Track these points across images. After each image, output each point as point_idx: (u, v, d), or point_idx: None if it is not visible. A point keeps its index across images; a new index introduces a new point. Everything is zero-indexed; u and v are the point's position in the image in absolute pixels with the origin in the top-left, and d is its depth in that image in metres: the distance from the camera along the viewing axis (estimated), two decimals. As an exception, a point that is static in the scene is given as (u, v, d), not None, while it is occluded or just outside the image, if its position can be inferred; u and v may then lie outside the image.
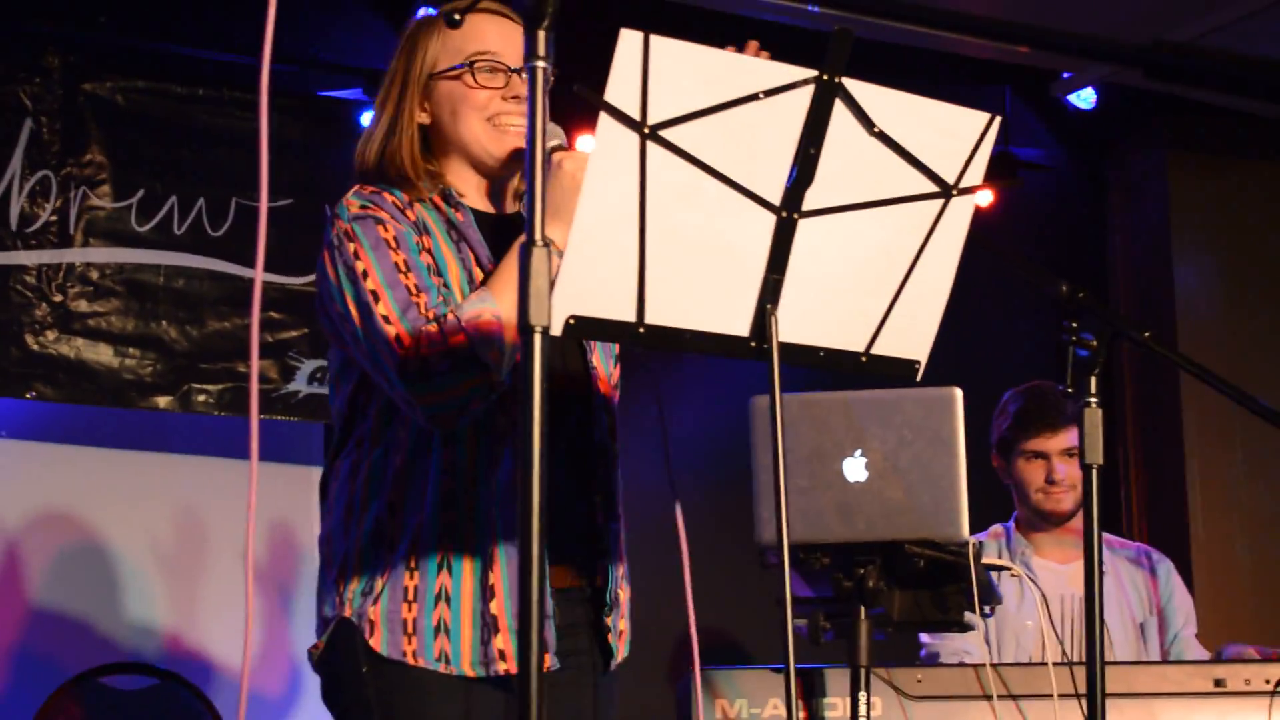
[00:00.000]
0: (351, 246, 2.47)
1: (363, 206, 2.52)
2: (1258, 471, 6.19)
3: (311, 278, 5.06)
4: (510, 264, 2.41)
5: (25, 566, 4.81)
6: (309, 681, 3.48)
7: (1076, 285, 2.58)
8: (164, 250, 4.94)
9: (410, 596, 2.46)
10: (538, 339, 1.74)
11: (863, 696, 2.83)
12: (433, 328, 2.35)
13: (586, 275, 1.96)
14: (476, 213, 2.63)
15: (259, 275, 2.23)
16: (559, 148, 2.48)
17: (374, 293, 2.41)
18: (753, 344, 2.13)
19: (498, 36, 2.61)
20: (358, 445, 2.55)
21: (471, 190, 2.65)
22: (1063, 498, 4.05)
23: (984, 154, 2.19)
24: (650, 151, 1.96)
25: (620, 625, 2.66)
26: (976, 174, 2.20)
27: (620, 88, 1.91)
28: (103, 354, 4.83)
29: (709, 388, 5.00)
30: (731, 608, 5.26)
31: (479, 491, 2.47)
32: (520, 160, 2.58)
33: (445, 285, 2.47)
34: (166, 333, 4.92)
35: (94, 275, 4.84)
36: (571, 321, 1.96)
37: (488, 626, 2.46)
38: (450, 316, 2.36)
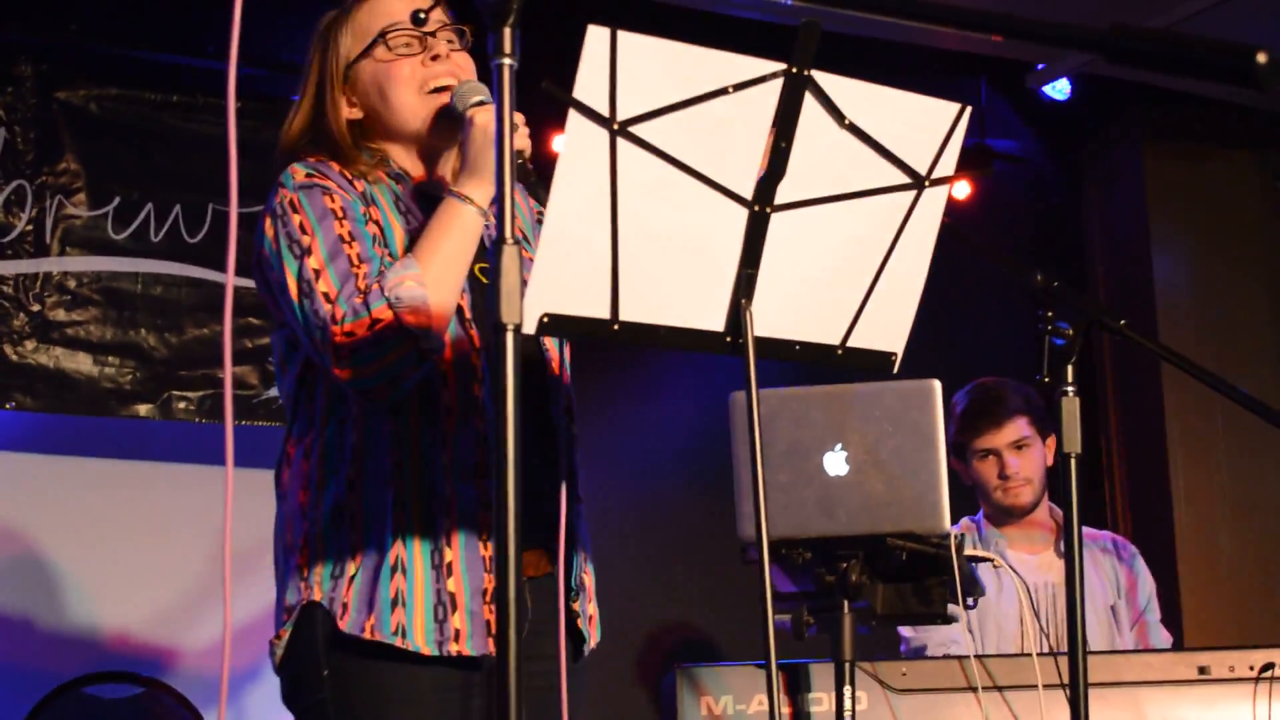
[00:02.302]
0: (297, 218, 2.44)
1: (308, 174, 2.49)
2: (1240, 460, 6.20)
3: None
4: (434, 226, 2.40)
5: (6, 577, 4.79)
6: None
7: (1051, 274, 2.58)
8: (141, 258, 4.92)
9: (372, 573, 2.42)
10: (510, 338, 1.73)
11: (847, 691, 2.83)
12: (359, 299, 2.33)
13: (559, 273, 1.96)
14: (421, 187, 2.59)
15: (230, 280, 2.23)
16: (480, 104, 2.43)
17: (316, 270, 2.39)
18: (728, 339, 2.13)
19: (404, 6, 2.57)
20: (310, 425, 2.51)
21: (414, 169, 2.61)
22: (1020, 491, 4.06)
23: (956, 145, 2.19)
24: (620, 148, 1.95)
25: (589, 609, 2.63)
26: (949, 165, 2.20)
27: (589, 84, 1.91)
28: (82, 363, 4.82)
29: (689, 384, 5.01)
30: (715, 604, 5.27)
31: (426, 467, 2.44)
32: (448, 120, 2.52)
33: (391, 256, 2.44)
34: (145, 340, 4.91)
35: (71, 284, 4.82)
36: (545, 319, 1.96)
37: (443, 605, 2.42)
38: (375, 287, 2.34)
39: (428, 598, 2.42)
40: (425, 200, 2.56)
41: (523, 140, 2.42)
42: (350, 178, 2.52)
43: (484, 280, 2.53)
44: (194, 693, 4.64)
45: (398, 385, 2.37)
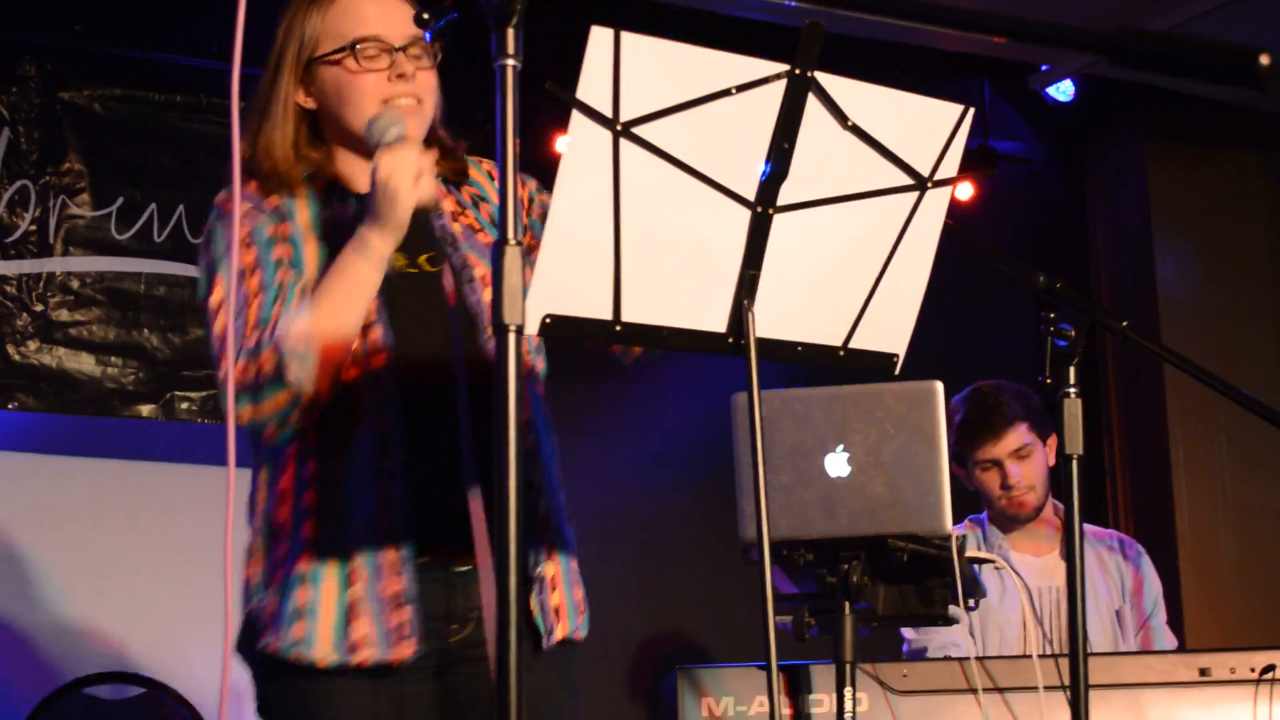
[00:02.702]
0: (212, 248, 2.48)
1: (225, 199, 2.51)
2: (1242, 462, 6.20)
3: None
4: (334, 271, 2.40)
5: (8, 577, 4.79)
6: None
7: (1053, 276, 2.58)
8: (144, 258, 4.93)
9: (281, 587, 2.44)
10: (512, 339, 1.73)
11: (848, 692, 2.83)
12: (251, 340, 2.37)
13: (562, 273, 1.95)
14: (361, 197, 2.53)
15: (234, 281, 2.24)
16: (393, 141, 2.39)
17: (221, 301, 2.42)
18: (730, 340, 2.13)
19: (379, 17, 2.52)
20: (257, 440, 2.54)
21: (361, 174, 2.54)
22: (1024, 498, 4.04)
23: (958, 146, 2.19)
24: (624, 149, 1.95)
25: (553, 600, 2.54)
26: (951, 166, 2.20)
27: (592, 85, 1.91)
28: (85, 363, 4.82)
29: (691, 385, 5.01)
30: (717, 605, 5.27)
31: (330, 475, 2.44)
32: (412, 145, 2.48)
33: (296, 278, 2.45)
34: (148, 341, 4.91)
35: (75, 284, 4.83)
36: (548, 320, 1.95)
37: (348, 613, 2.41)
38: (266, 332, 2.36)
39: (337, 607, 2.42)
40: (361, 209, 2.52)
41: (427, 190, 2.39)
42: (265, 194, 2.52)
43: (412, 270, 2.53)
44: (194, 694, 4.64)
45: (285, 426, 2.39)
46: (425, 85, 2.55)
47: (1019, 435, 4.01)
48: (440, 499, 2.45)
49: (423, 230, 2.52)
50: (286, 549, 2.46)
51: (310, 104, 2.57)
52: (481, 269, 2.54)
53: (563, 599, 2.56)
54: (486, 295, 2.51)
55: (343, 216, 2.52)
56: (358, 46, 2.51)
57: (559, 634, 2.54)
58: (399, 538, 2.43)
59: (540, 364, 2.65)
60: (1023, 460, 4.02)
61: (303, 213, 2.53)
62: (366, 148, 2.47)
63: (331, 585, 2.42)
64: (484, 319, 2.51)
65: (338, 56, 2.52)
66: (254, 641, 2.47)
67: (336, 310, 2.35)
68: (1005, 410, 4.01)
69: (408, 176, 2.33)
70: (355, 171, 2.57)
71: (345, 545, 2.42)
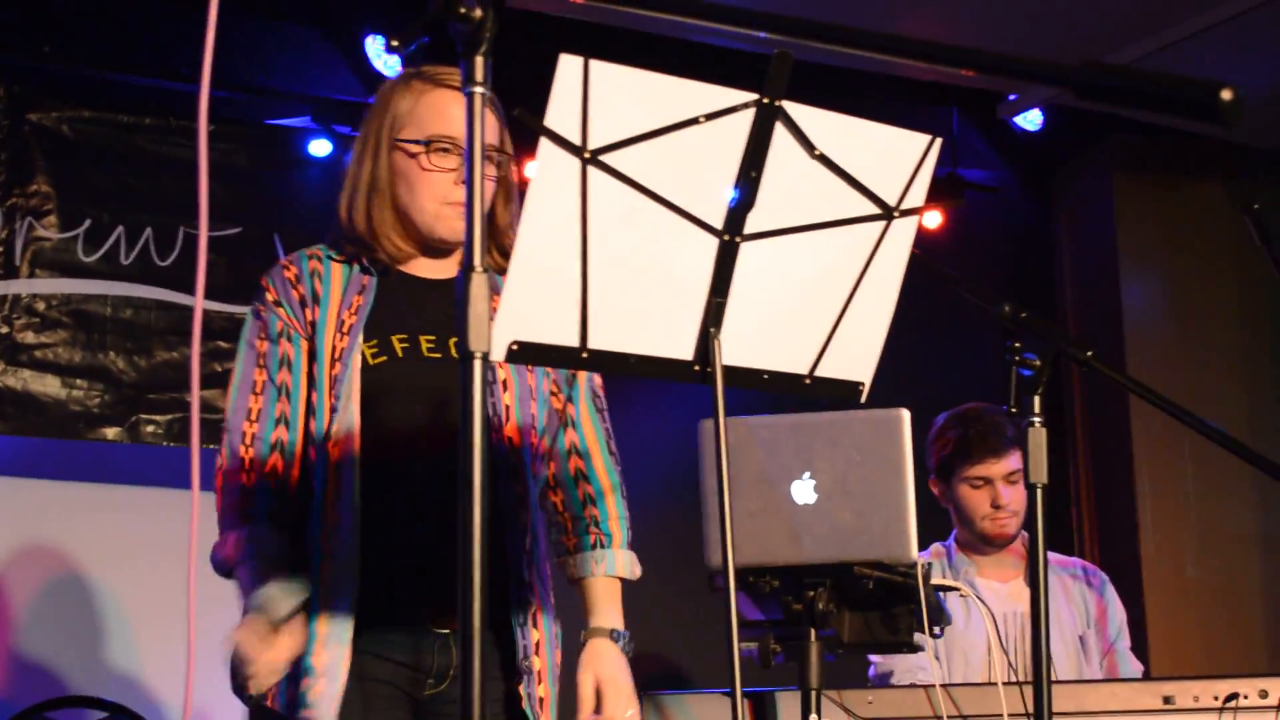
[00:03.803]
0: (241, 338, 2.73)
1: (266, 285, 2.71)
2: (1208, 491, 6.23)
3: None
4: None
5: (-29, 600, 4.76)
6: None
7: (1019, 305, 2.59)
8: (111, 280, 4.91)
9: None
10: (478, 365, 1.73)
11: (814, 719, 2.82)
12: (234, 480, 2.64)
13: (529, 300, 1.96)
14: (416, 279, 2.73)
15: (199, 303, 2.22)
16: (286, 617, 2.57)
17: (228, 394, 2.70)
18: (697, 368, 2.13)
19: (456, 116, 2.65)
20: None
21: (402, 251, 2.72)
22: (1008, 522, 4.04)
23: (925, 176, 2.20)
24: (591, 176, 1.95)
25: (539, 692, 2.68)
26: (918, 196, 2.21)
27: (560, 113, 1.91)
28: (50, 385, 4.80)
29: (657, 411, 5.00)
30: (683, 632, 5.26)
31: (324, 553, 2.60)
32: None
33: (287, 400, 2.65)
34: (114, 363, 4.89)
35: (40, 306, 4.81)
36: (515, 347, 1.95)
37: (304, 673, 2.54)
38: (246, 505, 2.62)
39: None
40: (413, 289, 2.71)
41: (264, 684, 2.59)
42: (307, 272, 2.70)
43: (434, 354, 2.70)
44: (157, 718, 4.62)
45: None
46: (487, 193, 2.64)
47: (1015, 460, 4.02)
48: (431, 559, 2.56)
49: (434, 310, 2.68)
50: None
51: (384, 173, 2.70)
52: (504, 372, 2.69)
53: (547, 691, 2.70)
54: (505, 398, 2.68)
55: (375, 284, 2.72)
56: (432, 143, 2.65)
57: None
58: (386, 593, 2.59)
59: (541, 469, 2.80)
60: (1013, 485, 4.03)
61: (336, 279, 2.71)
62: (414, 232, 2.69)
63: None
64: (500, 420, 2.68)
65: (415, 149, 2.66)
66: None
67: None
68: (1006, 431, 4.02)
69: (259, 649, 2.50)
70: (399, 244, 2.71)
71: (317, 603, 2.56)
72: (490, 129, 2.65)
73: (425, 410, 2.64)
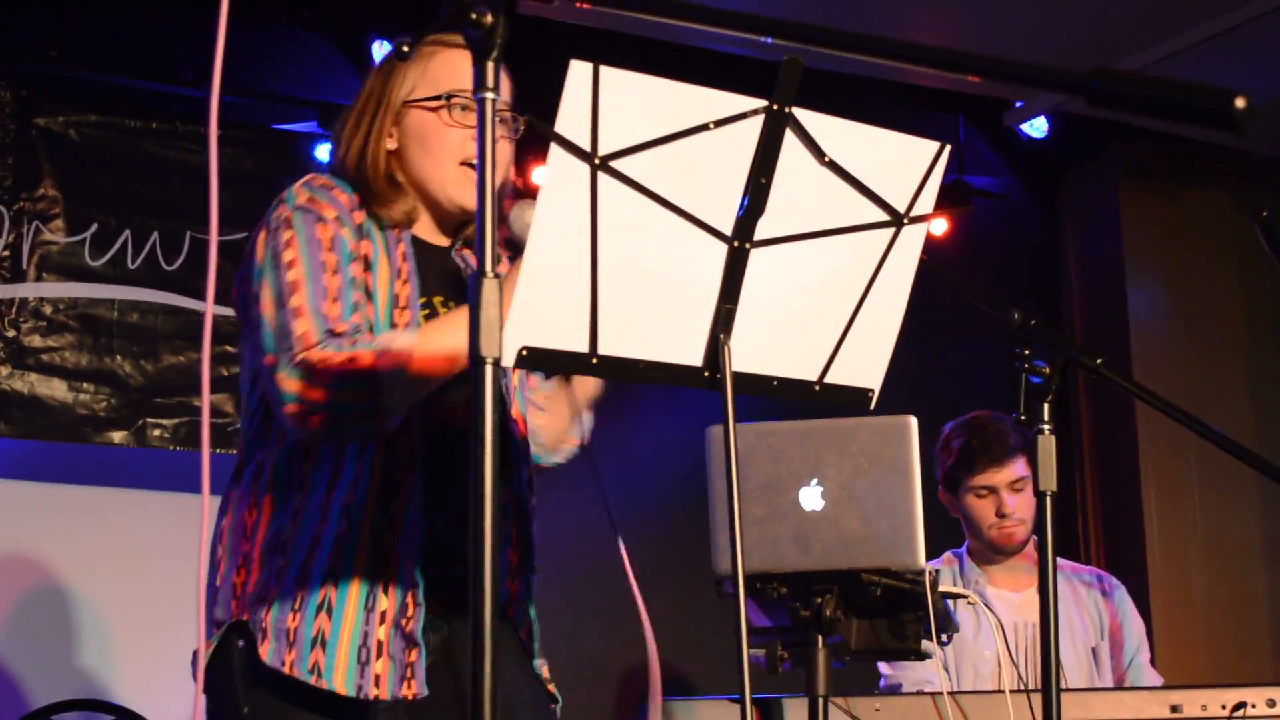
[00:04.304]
0: (286, 234, 2.46)
1: (310, 199, 2.51)
2: (1214, 498, 6.22)
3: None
4: (452, 314, 2.45)
5: (-23, 604, 4.77)
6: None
7: (1028, 312, 2.59)
8: (118, 284, 4.92)
9: (297, 605, 2.45)
10: (489, 370, 1.73)
11: (821, 726, 2.82)
12: (341, 328, 2.37)
13: (539, 306, 1.96)
14: (421, 242, 2.63)
15: (209, 307, 2.23)
16: None
17: (293, 283, 2.41)
18: (706, 374, 2.13)
19: (469, 75, 2.57)
20: (262, 444, 2.53)
21: (421, 221, 2.64)
22: (1014, 530, 4.03)
23: (935, 183, 2.20)
24: (601, 182, 1.95)
25: (545, 672, 2.69)
26: (927, 203, 2.21)
27: (571, 119, 1.91)
28: (57, 389, 4.80)
29: (665, 417, 5.00)
30: (691, 638, 5.25)
31: (377, 515, 2.46)
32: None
33: (367, 297, 2.48)
34: (121, 367, 4.90)
35: (47, 310, 4.81)
36: (524, 353, 1.96)
37: (368, 648, 2.44)
38: (364, 335, 2.37)
39: (354, 639, 2.45)
40: (420, 254, 2.60)
41: None
42: (351, 207, 2.54)
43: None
44: (164, 721, 4.62)
45: (334, 432, 2.37)
46: (502, 155, 2.58)
47: (1018, 467, 4.01)
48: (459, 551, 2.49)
49: (450, 275, 2.61)
50: (298, 571, 2.46)
51: (391, 144, 2.62)
52: None
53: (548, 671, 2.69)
54: (514, 378, 2.65)
55: (407, 249, 2.58)
56: (453, 98, 2.58)
57: (560, 702, 2.68)
58: (414, 582, 2.49)
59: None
60: (1018, 493, 4.02)
61: (378, 236, 2.56)
62: (432, 198, 2.59)
63: (351, 619, 2.45)
64: (509, 397, 2.64)
65: (432, 105, 2.59)
66: (244, 650, 2.47)
67: (441, 352, 2.34)
68: (1008, 439, 4.01)
69: None
70: (416, 213, 2.62)
71: (375, 584, 2.46)
72: (502, 87, 2.60)
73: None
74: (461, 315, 2.36)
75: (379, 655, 2.45)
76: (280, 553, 2.47)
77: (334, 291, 2.41)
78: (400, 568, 2.47)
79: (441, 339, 2.34)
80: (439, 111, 2.58)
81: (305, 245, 2.44)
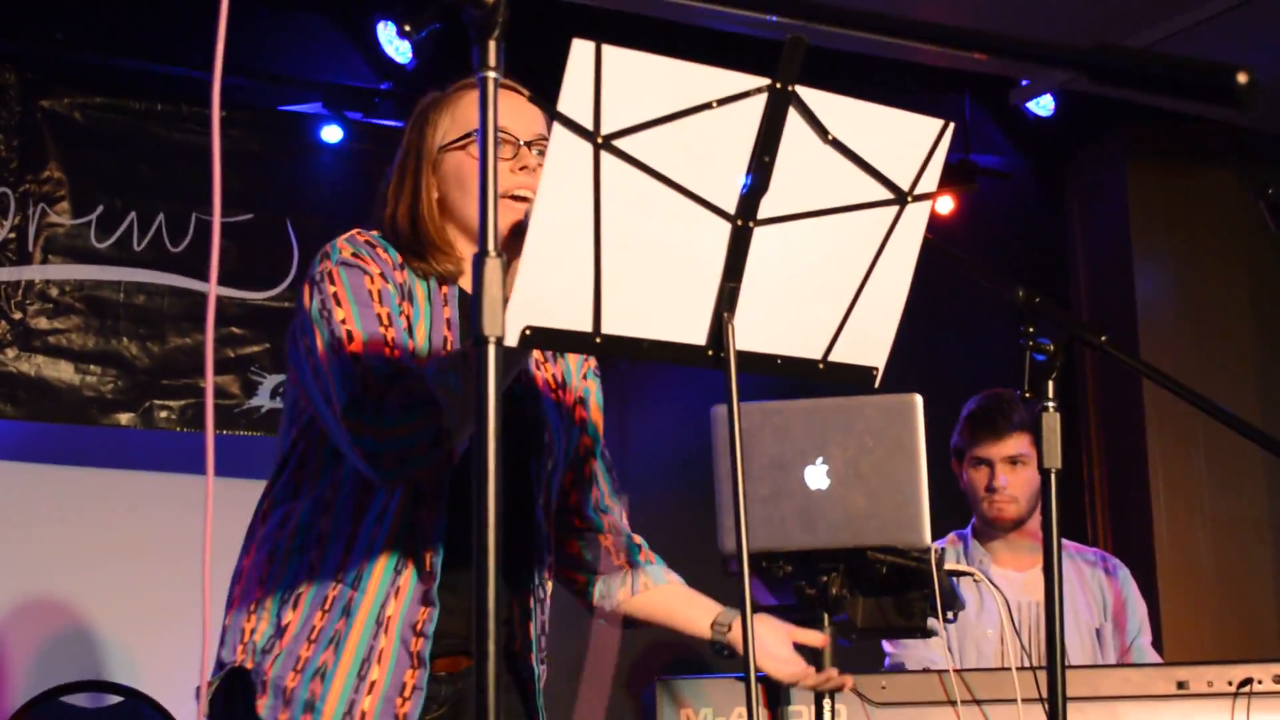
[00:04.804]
0: (333, 289, 2.46)
1: (354, 254, 2.51)
2: (1221, 476, 6.22)
3: (273, 292, 5.07)
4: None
5: (-14, 585, 4.78)
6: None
7: (1032, 290, 2.59)
8: (124, 266, 4.93)
9: (298, 666, 2.46)
10: (492, 350, 1.73)
11: (827, 704, 2.83)
12: (395, 367, 2.37)
13: (542, 285, 1.96)
14: (467, 295, 2.61)
15: (213, 289, 2.23)
16: None
17: (349, 332, 2.40)
18: (710, 353, 2.13)
19: (507, 111, 2.54)
20: (293, 494, 2.55)
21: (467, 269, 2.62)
22: (1005, 506, 4.04)
23: (938, 161, 2.19)
24: (604, 161, 1.95)
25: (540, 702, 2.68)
26: (931, 181, 2.20)
27: (573, 98, 1.91)
28: (63, 371, 4.81)
29: (670, 397, 5.01)
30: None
31: (385, 585, 2.48)
32: (519, 236, 2.55)
33: (416, 348, 2.48)
34: (127, 349, 4.91)
35: (54, 292, 4.82)
36: (528, 332, 1.95)
37: (352, 717, 2.45)
38: (415, 367, 2.37)
39: (339, 708, 2.45)
40: (466, 304, 2.59)
41: None
42: (394, 265, 2.55)
43: None
44: (172, 702, 4.63)
45: (407, 463, 2.33)
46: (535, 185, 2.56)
47: (1017, 443, 4.01)
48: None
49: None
50: (308, 625, 2.48)
51: (435, 192, 2.61)
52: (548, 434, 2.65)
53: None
54: (548, 464, 2.65)
55: (453, 299, 2.58)
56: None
57: None
58: (418, 663, 2.49)
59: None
60: (1014, 469, 4.03)
61: (420, 292, 2.56)
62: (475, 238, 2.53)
63: (344, 675, 2.46)
64: (537, 489, 2.63)
65: (463, 143, 2.59)
66: (245, 698, 2.49)
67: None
68: (1011, 415, 4.02)
69: None
70: (466, 255, 2.60)
71: (371, 652, 2.47)
72: (536, 119, 2.58)
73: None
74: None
75: (369, 693, 2.45)
76: (291, 607, 2.49)
77: (390, 339, 2.42)
78: (399, 640, 2.48)
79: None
80: (468, 148, 2.58)
81: (354, 298, 2.45)
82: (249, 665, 2.49)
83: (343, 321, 2.41)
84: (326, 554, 2.48)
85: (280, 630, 2.48)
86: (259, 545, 2.56)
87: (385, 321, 2.44)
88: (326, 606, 2.47)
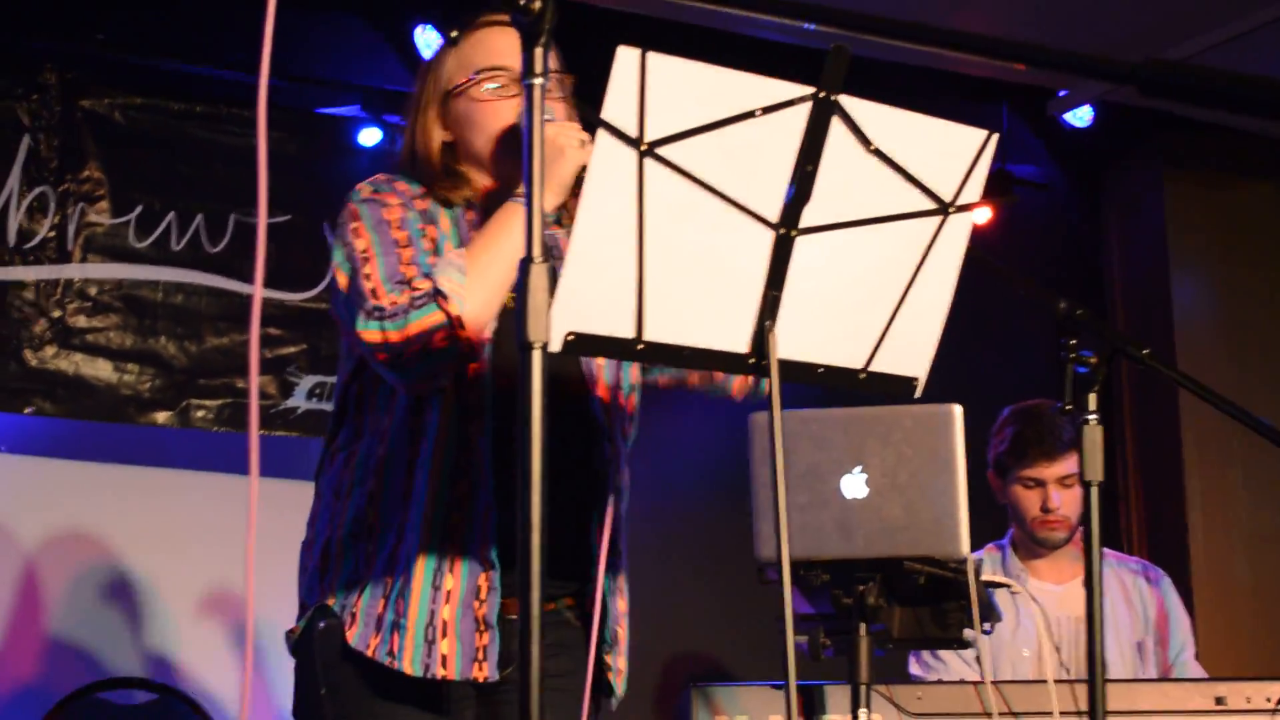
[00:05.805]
0: (353, 225, 2.54)
1: (374, 191, 2.59)
2: (1258, 489, 6.18)
3: (310, 293, 5.09)
4: (488, 226, 2.47)
5: (23, 582, 4.80)
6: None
7: (1075, 303, 2.58)
8: (162, 266, 4.95)
9: (385, 591, 2.51)
10: (537, 356, 1.74)
11: (863, 713, 2.82)
12: (405, 279, 2.42)
13: (585, 291, 1.96)
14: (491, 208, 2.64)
15: (258, 291, 2.24)
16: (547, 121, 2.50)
17: (365, 258, 2.47)
18: (751, 361, 2.13)
19: (508, 48, 2.60)
20: (354, 435, 2.61)
21: (494, 196, 2.65)
22: (1057, 526, 3.97)
23: (981, 171, 2.19)
24: (648, 168, 1.96)
25: (619, 664, 2.68)
26: (974, 191, 2.20)
27: (617, 105, 1.92)
28: (101, 369, 4.84)
29: (707, 404, 5.00)
30: (731, 624, 5.26)
31: (445, 495, 2.51)
32: (514, 137, 2.59)
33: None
34: (165, 349, 4.93)
35: (92, 291, 4.85)
36: (571, 338, 1.96)
37: (434, 627, 2.49)
38: (421, 275, 2.42)
39: (420, 619, 2.49)
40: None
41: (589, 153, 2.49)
42: (414, 195, 2.61)
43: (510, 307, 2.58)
44: (207, 700, 4.65)
45: (429, 355, 2.37)
46: (556, 114, 2.61)
47: (1070, 463, 3.94)
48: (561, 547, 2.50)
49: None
50: (379, 555, 2.53)
51: (447, 136, 2.68)
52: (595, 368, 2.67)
53: (624, 664, 2.70)
54: (597, 359, 2.67)
55: (473, 224, 2.62)
56: (483, 74, 2.62)
57: (618, 694, 2.70)
58: (488, 565, 2.52)
59: (630, 429, 2.76)
60: (1066, 489, 3.97)
61: (445, 218, 2.61)
62: (494, 171, 2.62)
63: (418, 600, 2.50)
64: (592, 379, 2.67)
65: (467, 85, 2.64)
66: (327, 632, 2.54)
67: (491, 261, 2.40)
68: (1062, 435, 3.94)
69: (573, 139, 2.42)
70: (485, 187, 2.67)
71: (441, 563, 2.51)
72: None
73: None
74: (498, 225, 2.44)
75: (444, 635, 2.49)
76: (364, 538, 2.55)
77: (407, 258, 2.47)
78: (468, 548, 2.50)
79: (490, 264, 2.40)
80: (470, 90, 2.63)
81: (374, 229, 2.52)
82: (330, 601, 2.55)
83: (363, 251, 2.48)
84: (387, 483, 2.54)
85: (361, 562, 2.54)
86: (324, 487, 2.64)
87: (403, 243, 2.50)
88: (398, 531, 2.52)
